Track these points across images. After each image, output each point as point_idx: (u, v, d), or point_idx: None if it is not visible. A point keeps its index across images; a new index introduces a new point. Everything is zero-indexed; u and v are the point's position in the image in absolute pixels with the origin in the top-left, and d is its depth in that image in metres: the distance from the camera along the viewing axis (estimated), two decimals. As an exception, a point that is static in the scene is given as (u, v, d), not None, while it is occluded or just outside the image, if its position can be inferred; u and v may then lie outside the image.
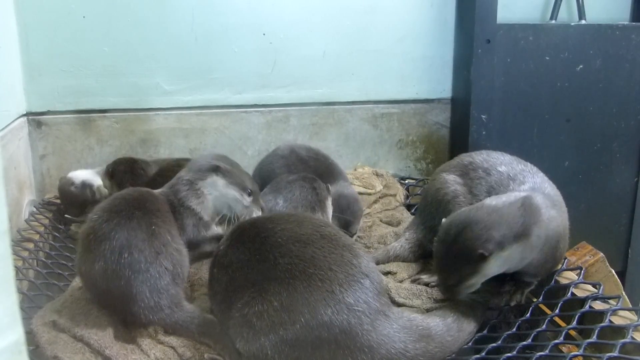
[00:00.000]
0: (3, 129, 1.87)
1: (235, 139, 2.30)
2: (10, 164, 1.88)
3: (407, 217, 1.90)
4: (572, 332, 1.28)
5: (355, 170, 2.31)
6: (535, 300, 1.39)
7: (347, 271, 1.09)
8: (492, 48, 2.22)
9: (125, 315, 1.21)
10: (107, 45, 2.12)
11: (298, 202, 1.54)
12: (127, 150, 2.19)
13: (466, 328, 1.24)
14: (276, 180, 1.65)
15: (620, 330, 1.19)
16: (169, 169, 1.73)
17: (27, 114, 2.12)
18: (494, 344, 1.24)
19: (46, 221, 1.88)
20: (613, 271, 1.79)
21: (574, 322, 1.25)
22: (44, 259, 1.64)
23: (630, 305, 1.40)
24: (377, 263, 1.53)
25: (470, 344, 1.25)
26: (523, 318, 1.32)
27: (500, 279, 1.35)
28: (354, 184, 2.05)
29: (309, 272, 1.07)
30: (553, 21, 2.35)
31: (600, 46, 2.28)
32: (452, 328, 1.21)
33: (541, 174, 1.48)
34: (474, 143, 2.27)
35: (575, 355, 1.15)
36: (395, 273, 1.52)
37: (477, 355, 1.20)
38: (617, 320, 1.22)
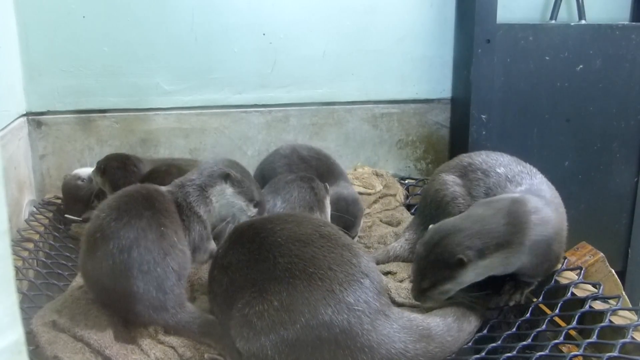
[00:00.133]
0: (3, 129, 1.87)
1: (235, 139, 2.30)
2: (10, 164, 1.88)
3: (407, 217, 1.90)
4: (572, 332, 1.28)
5: (355, 170, 2.31)
6: (535, 300, 1.39)
7: (347, 270, 1.10)
8: (492, 48, 2.21)
9: (128, 315, 1.21)
10: (107, 45, 2.12)
11: (296, 203, 1.54)
12: (127, 150, 2.18)
13: (466, 328, 1.24)
14: (274, 181, 1.64)
15: (620, 330, 1.19)
16: (164, 168, 1.71)
17: (27, 114, 2.12)
18: (493, 344, 1.24)
19: (46, 221, 1.88)
20: (613, 271, 1.79)
21: (574, 322, 1.25)
22: (44, 259, 1.64)
23: (630, 305, 1.39)
24: (377, 263, 1.53)
25: (470, 343, 1.25)
26: (523, 318, 1.32)
27: (500, 279, 1.35)
28: (354, 184, 2.05)
29: (309, 272, 1.08)
30: (553, 21, 2.35)
31: (600, 46, 2.27)
32: (452, 328, 1.21)
33: (540, 175, 1.48)
34: (473, 143, 2.26)
35: (575, 355, 1.15)
36: (395, 273, 1.52)
37: (477, 355, 1.20)
38: (617, 320, 1.22)
